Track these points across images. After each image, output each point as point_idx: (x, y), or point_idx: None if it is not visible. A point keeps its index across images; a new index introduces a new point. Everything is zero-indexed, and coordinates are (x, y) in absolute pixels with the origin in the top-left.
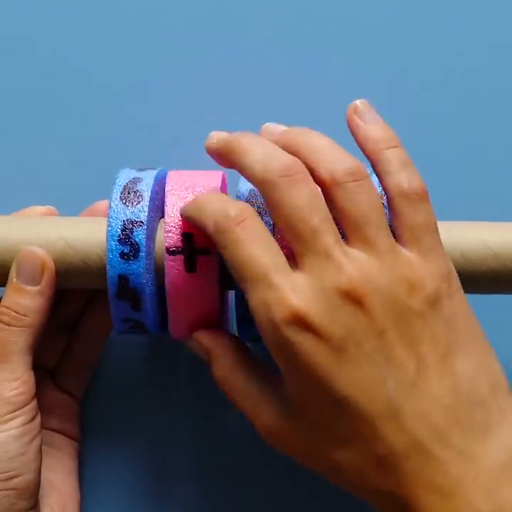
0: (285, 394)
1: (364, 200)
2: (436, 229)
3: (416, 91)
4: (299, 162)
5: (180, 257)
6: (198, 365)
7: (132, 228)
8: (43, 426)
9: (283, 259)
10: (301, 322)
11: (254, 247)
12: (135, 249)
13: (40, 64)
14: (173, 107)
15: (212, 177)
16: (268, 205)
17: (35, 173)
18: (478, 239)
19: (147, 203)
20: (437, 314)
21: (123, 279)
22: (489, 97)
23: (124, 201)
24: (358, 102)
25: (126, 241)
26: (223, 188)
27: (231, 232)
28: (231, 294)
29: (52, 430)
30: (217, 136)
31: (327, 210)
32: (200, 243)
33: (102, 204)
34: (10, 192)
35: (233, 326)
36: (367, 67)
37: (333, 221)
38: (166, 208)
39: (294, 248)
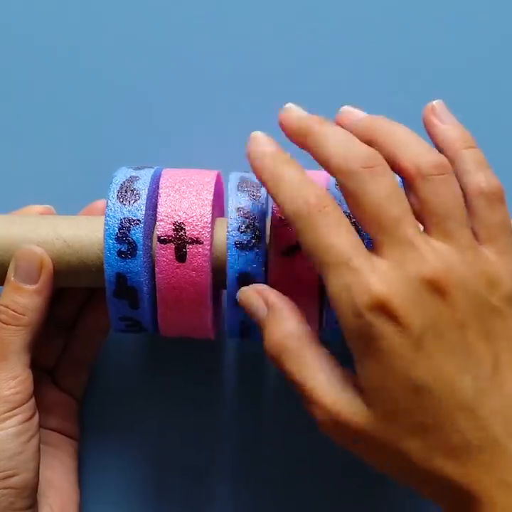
0: (356, 381)
1: (448, 194)
2: (511, 228)
3: (416, 92)
4: (379, 154)
5: (171, 246)
6: (198, 365)
7: (129, 226)
8: (42, 425)
9: (363, 246)
10: (383, 308)
11: (335, 233)
12: (132, 247)
13: (39, 63)
14: (171, 106)
15: (207, 174)
16: (348, 194)
17: (33, 173)
18: None
19: (144, 202)
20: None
21: (121, 277)
22: (489, 97)
23: (121, 200)
24: (434, 102)
25: (124, 239)
26: (219, 187)
27: (310, 217)
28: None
29: (51, 429)
30: (295, 113)
31: (407, 201)
32: (191, 233)
33: (101, 203)
34: (8, 191)
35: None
36: (366, 68)
37: (412, 213)
38: (159, 198)
39: (374, 238)
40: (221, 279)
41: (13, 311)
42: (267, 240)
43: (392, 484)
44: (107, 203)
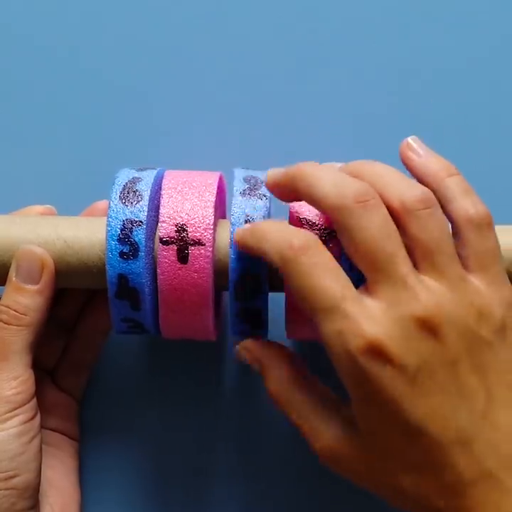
0: (350, 417)
1: (435, 227)
2: (501, 256)
3: (416, 93)
4: (371, 188)
5: (173, 247)
6: (198, 365)
7: (132, 228)
8: (43, 425)
9: (352, 286)
10: (377, 351)
11: (323, 276)
12: (134, 248)
13: (40, 63)
14: (172, 106)
15: (209, 176)
16: (340, 231)
17: (34, 173)
18: None
19: (146, 203)
20: (503, 343)
21: (122, 278)
22: (490, 99)
23: (124, 201)
24: (409, 139)
25: (126, 240)
26: (221, 188)
27: (297, 262)
28: (225, 295)
29: (52, 430)
30: (276, 171)
31: (399, 237)
32: (194, 235)
33: (102, 204)
34: (9, 191)
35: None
36: (366, 68)
37: (404, 249)
38: (161, 199)
39: (367, 275)
40: (223, 281)
41: (15, 311)
42: None
43: None
44: (110, 204)
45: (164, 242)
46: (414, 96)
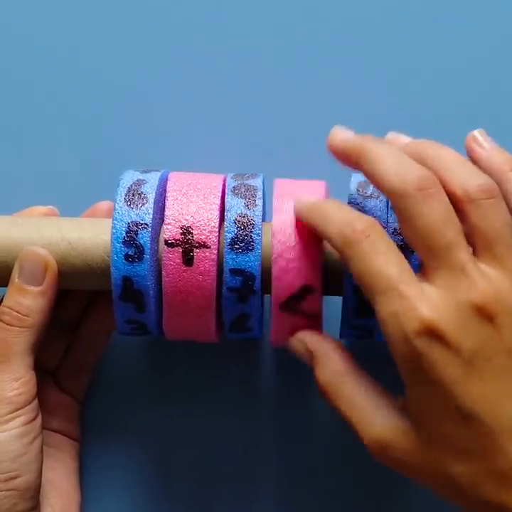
0: (403, 406)
1: (497, 218)
2: None
3: (416, 93)
4: (433, 175)
5: (179, 249)
6: (201, 366)
7: (137, 230)
8: (44, 426)
9: (412, 272)
10: (432, 333)
11: (384, 259)
12: (140, 251)
13: (43, 64)
14: (174, 107)
15: (214, 179)
16: (401, 217)
17: (36, 174)
18: None
19: (151, 205)
20: None
21: (127, 280)
22: (490, 100)
23: (129, 203)
24: (475, 132)
25: (131, 243)
26: (225, 192)
27: (359, 244)
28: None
29: (53, 431)
30: (341, 135)
31: (460, 225)
32: (199, 237)
33: (104, 204)
34: (11, 192)
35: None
36: (366, 68)
37: (464, 236)
38: (166, 201)
39: (425, 261)
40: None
41: (17, 312)
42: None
43: (394, 484)
44: (115, 206)
45: (169, 245)
46: (414, 96)
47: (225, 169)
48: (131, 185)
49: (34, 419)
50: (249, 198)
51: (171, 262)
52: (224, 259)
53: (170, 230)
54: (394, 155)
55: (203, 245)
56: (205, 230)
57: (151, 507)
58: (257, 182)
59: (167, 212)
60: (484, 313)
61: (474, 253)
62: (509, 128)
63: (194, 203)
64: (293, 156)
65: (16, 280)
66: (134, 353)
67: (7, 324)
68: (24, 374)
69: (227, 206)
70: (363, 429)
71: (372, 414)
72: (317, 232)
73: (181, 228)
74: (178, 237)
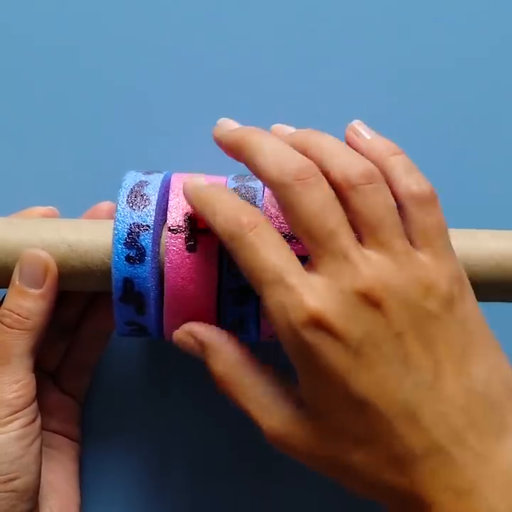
0: (297, 396)
1: (379, 202)
2: (447, 231)
3: (415, 94)
4: (314, 164)
5: (182, 235)
6: (198, 366)
7: (139, 232)
8: (44, 427)
9: (298, 262)
10: (319, 324)
11: (269, 251)
12: (141, 253)
13: (43, 64)
14: (175, 108)
15: (216, 178)
16: (283, 207)
17: (36, 174)
18: (482, 248)
19: (154, 207)
20: (452, 316)
21: (128, 282)
22: (490, 100)
23: (131, 205)
24: (354, 122)
25: (133, 245)
26: None
27: (243, 238)
28: None
29: (53, 432)
30: (225, 126)
31: (343, 212)
32: (202, 224)
33: (105, 205)
34: (11, 192)
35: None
36: (366, 68)
37: (348, 223)
38: (170, 194)
39: (309, 250)
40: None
41: (18, 315)
42: None
43: None
44: (117, 207)
45: (173, 231)
46: (414, 96)
47: (226, 170)
48: (134, 187)
49: (33, 421)
50: (249, 200)
51: (174, 248)
52: (223, 261)
53: (173, 217)
54: (273, 145)
55: (206, 231)
56: None
57: (151, 508)
58: (258, 184)
59: (171, 202)
60: (370, 300)
61: (359, 240)
62: (509, 128)
63: None
64: None
65: (17, 283)
66: (133, 354)
67: (7, 327)
68: (24, 376)
69: None
70: (260, 419)
71: (269, 405)
72: (203, 219)
73: (185, 215)
74: (182, 223)
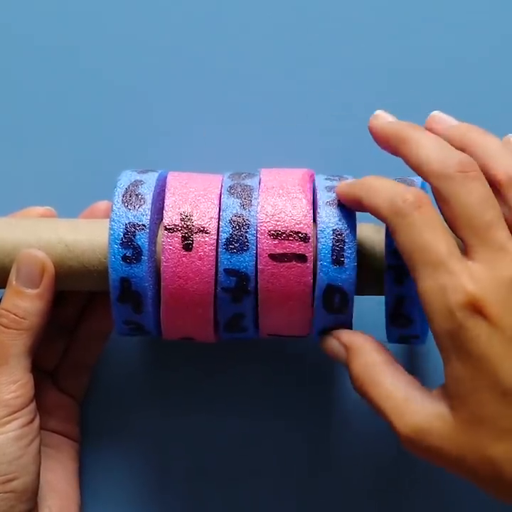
0: (438, 395)
1: None
2: None
3: (414, 93)
4: (473, 160)
5: (178, 234)
6: (199, 367)
7: (134, 231)
8: (43, 427)
9: (458, 249)
10: (477, 308)
11: (432, 233)
12: (137, 252)
13: (43, 64)
14: (174, 108)
15: (213, 176)
16: (441, 198)
17: (33, 174)
18: None
19: (149, 206)
20: None
21: (125, 282)
22: (490, 100)
23: (126, 204)
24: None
25: (129, 244)
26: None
27: (409, 216)
28: None
29: (52, 431)
30: (383, 118)
31: (499, 207)
32: (198, 223)
33: (102, 204)
34: (9, 192)
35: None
36: (366, 68)
37: (503, 218)
38: (166, 192)
39: (466, 241)
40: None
41: (15, 315)
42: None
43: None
44: (112, 207)
45: (169, 230)
46: (413, 96)
47: (224, 169)
48: (129, 186)
49: (32, 421)
50: (244, 198)
51: (170, 247)
52: (219, 260)
53: (169, 216)
54: (433, 141)
55: (203, 230)
56: (204, 216)
57: (151, 507)
58: (254, 182)
59: (167, 201)
60: None
61: None
62: (509, 127)
63: (194, 193)
64: (294, 156)
65: (14, 283)
66: (133, 353)
67: (4, 327)
68: (21, 376)
69: (222, 206)
70: (397, 418)
71: (407, 404)
72: (360, 205)
73: (181, 214)
74: (178, 222)
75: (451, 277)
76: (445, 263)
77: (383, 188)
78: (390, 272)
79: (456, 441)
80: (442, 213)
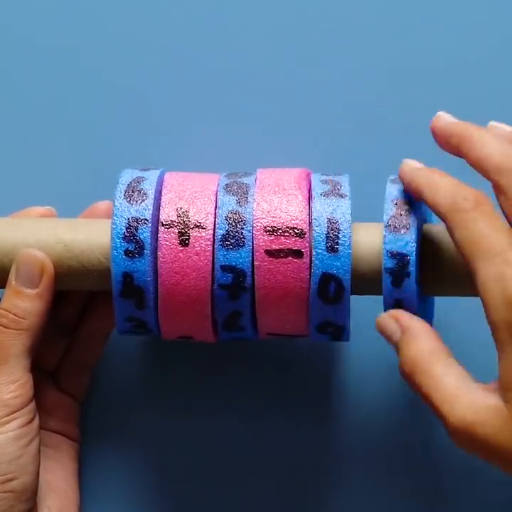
0: (492, 388)
1: None
2: None
3: (416, 93)
4: None
5: (174, 230)
6: (199, 367)
7: (137, 226)
8: (43, 427)
9: None
10: None
11: (492, 227)
12: (140, 246)
13: (43, 64)
14: (174, 108)
15: (209, 176)
16: (502, 192)
17: (34, 174)
18: None
19: (151, 201)
20: None
21: (128, 276)
22: (490, 100)
23: (129, 199)
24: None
25: (131, 238)
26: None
27: (469, 212)
28: None
29: (52, 431)
30: (445, 119)
31: None
32: (195, 218)
33: (102, 204)
34: (9, 192)
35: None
36: (367, 68)
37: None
38: (163, 189)
39: None
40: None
41: (14, 315)
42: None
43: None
44: (114, 202)
45: (165, 226)
46: (413, 96)
47: (223, 169)
48: (131, 182)
49: (31, 421)
50: (240, 195)
51: (167, 242)
52: (215, 256)
53: (166, 212)
54: (495, 140)
55: (199, 226)
56: (201, 211)
57: (150, 507)
58: (250, 180)
59: (163, 198)
60: None
61: None
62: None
63: (190, 189)
64: (293, 156)
65: (13, 283)
66: (133, 353)
67: (4, 327)
68: (21, 376)
69: (219, 203)
70: (449, 409)
71: (460, 394)
72: (420, 196)
73: (177, 210)
74: (174, 218)
75: (510, 267)
76: (504, 253)
77: (445, 185)
78: (388, 276)
79: (510, 434)
80: (502, 207)
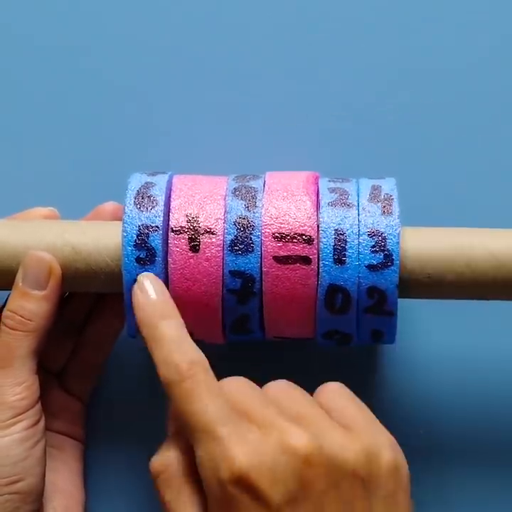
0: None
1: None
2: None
3: (416, 92)
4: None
5: (185, 236)
6: None
7: (148, 233)
8: (48, 428)
9: (232, 412)
10: (244, 482)
11: (205, 400)
12: (151, 254)
13: (43, 64)
14: (176, 109)
15: (218, 179)
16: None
17: (37, 175)
18: (483, 247)
19: (162, 208)
20: (375, 496)
21: None
22: (491, 100)
23: (139, 206)
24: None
25: (142, 246)
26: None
27: (182, 384)
28: None
29: (58, 432)
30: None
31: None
32: (205, 224)
33: (108, 205)
34: (11, 193)
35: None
36: (366, 68)
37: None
38: (172, 194)
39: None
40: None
41: (21, 316)
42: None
43: None
44: (124, 209)
45: (175, 232)
46: (413, 96)
47: (229, 170)
48: (140, 188)
49: (36, 423)
50: (249, 200)
51: (177, 249)
52: (224, 261)
53: (176, 218)
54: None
55: (209, 232)
56: (211, 217)
57: (155, 508)
58: (258, 183)
59: (173, 204)
60: (301, 460)
61: None
62: (509, 127)
63: (200, 194)
64: (296, 156)
65: (20, 284)
66: (138, 354)
67: (10, 328)
68: (26, 378)
69: (227, 208)
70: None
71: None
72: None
73: (187, 216)
74: (184, 224)
75: (221, 447)
76: (214, 431)
77: (164, 345)
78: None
79: None
80: None
